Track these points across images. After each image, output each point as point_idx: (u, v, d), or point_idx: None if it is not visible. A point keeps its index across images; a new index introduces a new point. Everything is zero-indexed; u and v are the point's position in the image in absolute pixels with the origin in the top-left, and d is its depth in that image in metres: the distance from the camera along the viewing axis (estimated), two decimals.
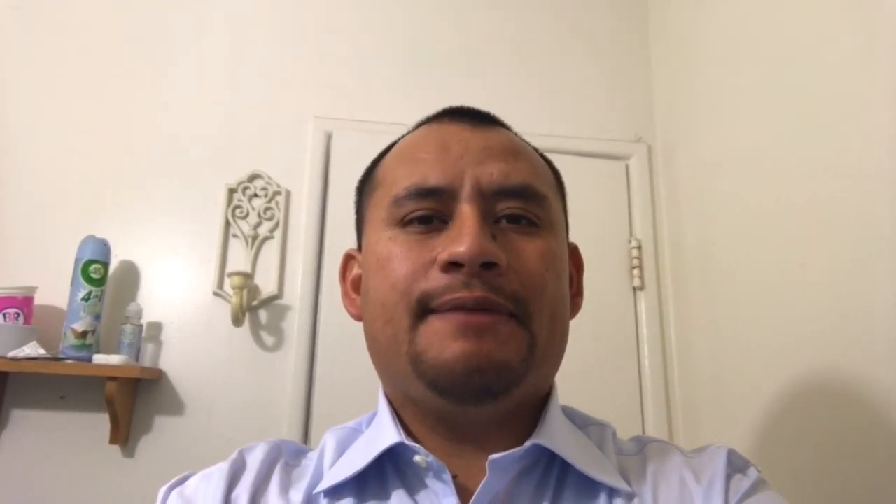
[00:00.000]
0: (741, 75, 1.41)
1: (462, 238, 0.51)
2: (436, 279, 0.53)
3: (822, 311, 1.09)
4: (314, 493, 0.56)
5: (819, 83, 1.14)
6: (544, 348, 0.55)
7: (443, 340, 0.51)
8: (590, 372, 1.61)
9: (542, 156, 0.66)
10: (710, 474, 0.56)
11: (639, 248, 1.75)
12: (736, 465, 0.59)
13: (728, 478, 0.56)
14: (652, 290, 1.73)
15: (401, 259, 0.55)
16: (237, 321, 1.55)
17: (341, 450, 0.60)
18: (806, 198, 1.15)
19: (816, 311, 1.11)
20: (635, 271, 1.73)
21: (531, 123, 1.79)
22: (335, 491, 0.55)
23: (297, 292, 1.63)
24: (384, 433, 0.56)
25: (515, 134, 0.65)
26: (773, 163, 1.27)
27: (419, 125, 0.65)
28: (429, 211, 0.56)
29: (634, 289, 1.73)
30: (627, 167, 1.84)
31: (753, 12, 1.38)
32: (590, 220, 1.74)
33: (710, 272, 1.51)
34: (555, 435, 0.56)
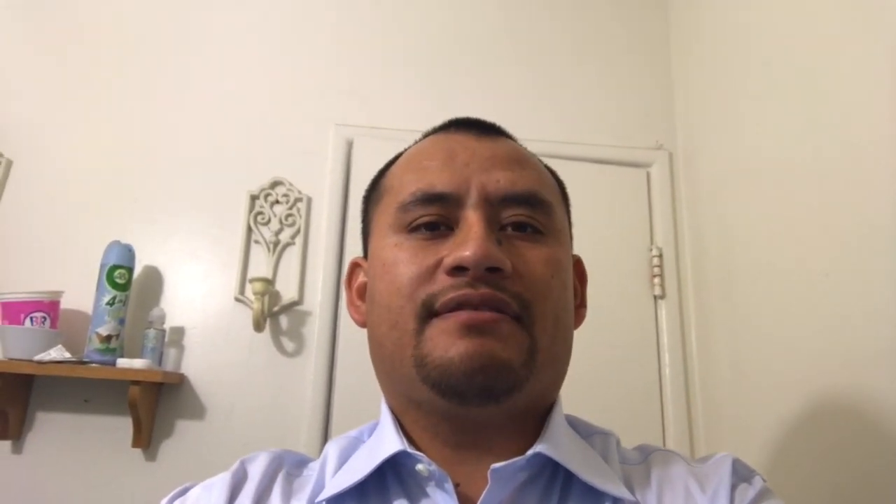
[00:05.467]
0: (763, 82, 1.40)
1: (468, 243, 0.52)
2: (441, 282, 0.53)
3: (847, 321, 1.07)
4: (316, 501, 0.56)
5: (843, 90, 1.13)
6: (546, 353, 0.55)
7: (448, 339, 0.52)
8: (610, 380, 1.60)
9: (546, 167, 0.66)
10: (716, 483, 0.56)
11: (660, 256, 1.73)
12: (741, 474, 0.58)
13: (733, 487, 0.56)
14: (673, 298, 1.71)
15: (406, 263, 0.55)
16: (258, 326, 1.57)
17: (343, 459, 0.60)
18: (830, 206, 1.14)
19: (841, 320, 1.09)
20: (656, 280, 1.71)
21: (551, 131, 1.80)
22: (337, 500, 0.55)
23: (317, 298, 1.64)
24: (386, 442, 0.56)
25: (520, 145, 0.65)
26: (796, 170, 1.25)
27: (425, 136, 0.66)
28: (435, 217, 0.56)
29: (655, 297, 1.72)
30: (648, 175, 1.83)
31: (775, 19, 1.37)
32: (610, 228, 1.73)
33: (732, 281, 1.49)
34: (558, 444, 0.55)
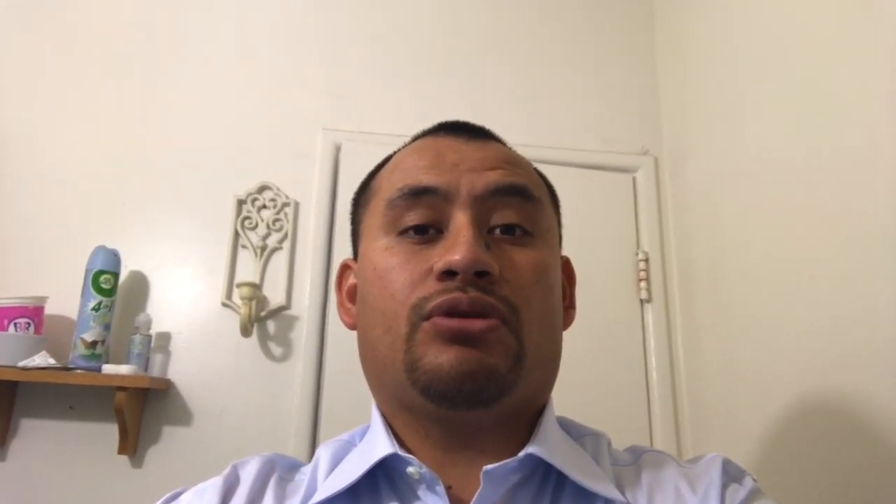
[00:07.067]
0: (748, 86, 1.41)
1: (457, 247, 0.53)
2: (431, 287, 0.54)
3: (833, 324, 1.08)
4: None
5: (828, 93, 1.14)
6: (533, 358, 0.55)
7: (438, 346, 0.52)
8: (597, 384, 1.61)
9: (536, 170, 0.67)
10: (706, 483, 0.57)
11: (646, 260, 1.75)
12: (731, 474, 0.59)
13: (724, 487, 0.56)
14: (659, 302, 1.72)
15: (398, 270, 0.56)
16: (245, 332, 1.56)
17: (335, 462, 0.60)
18: (815, 209, 1.15)
19: (827, 323, 1.10)
20: (642, 284, 1.72)
21: (538, 135, 1.81)
22: None
23: (305, 303, 1.63)
24: (377, 445, 0.56)
25: (510, 148, 0.66)
26: (781, 174, 1.27)
27: (414, 139, 0.66)
28: (423, 218, 0.57)
29: (642, 301, 1.73)
30: (634, 179, 1.84)
31: (760, 22, 1.38)
32: (597, 233, 1.74)
33: (718, 284, 1.51)
34: (549, 445, 0.56)
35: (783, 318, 1.23)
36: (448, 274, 0.53)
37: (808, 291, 1.15)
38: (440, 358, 0.52)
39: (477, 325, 0.52)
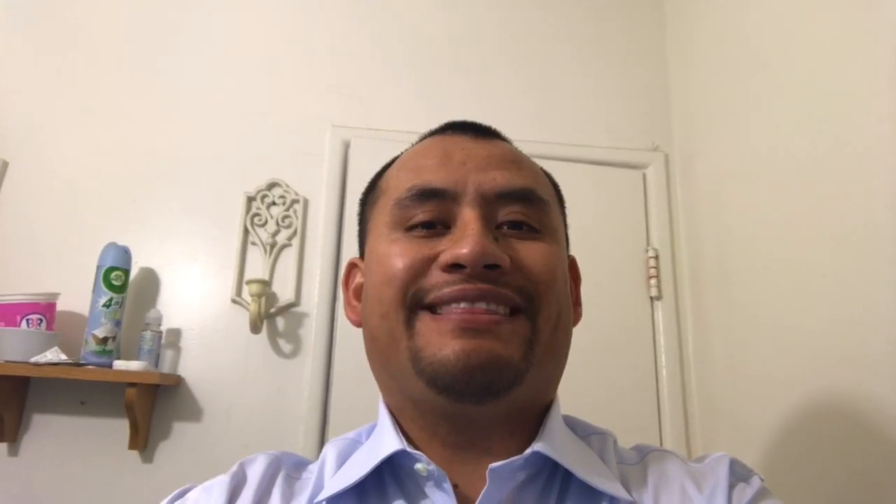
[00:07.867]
0: (759, 83, 1.40)
1: (465, 240, 0.52)
2: (436, 277, 0.53)
3: (843, 323, 1.08)
4: (315, 501, 0.56)
5: (840, 91, 1.13)
6: (546, 345, 0.55)
7: (441, 338, 0.52)
8: (607, 381, 1.61)
9: (542, 170, 0.67)
10: (713, 483, 0.56)
11: (656, 257, 1.74)
12: (739, 473, 0.58)
13: (731, 487, 0.56)
14: (669, 299, 1.72)
15: (398, 256, 0.55)
16: (255, 328, 1.57)
17: (342, 460, 0.60)
18: (825, 208, 1.14)
19: (837, 322, 1.09)
20: (652, 281, 1.72)
21: (548, 132, 1.80)
22: (335, 500, 0.55)
23: (314, 300, 1.64)
24: (385, 442, 0.56)
25: (516, 147, 0.66)
26: (791, 172, 1.26)
27: (422, 138, 0.66)
28: (431, 215, 0.56)
29: (652, 298, 1.72)
30: (644, 176, 1.83)
31: (772, 20, 1.37)
32: (607, 230, 1.73)
33: (728, 282, 1.50)
34: (556, 443, 0.55)
35: (792, 317, 1.22)
36: (455, 267, 0.52)
37: (818, 290, 1.14)
38: (445, 350, 0.51)
39: (485, 317, 0.51)
